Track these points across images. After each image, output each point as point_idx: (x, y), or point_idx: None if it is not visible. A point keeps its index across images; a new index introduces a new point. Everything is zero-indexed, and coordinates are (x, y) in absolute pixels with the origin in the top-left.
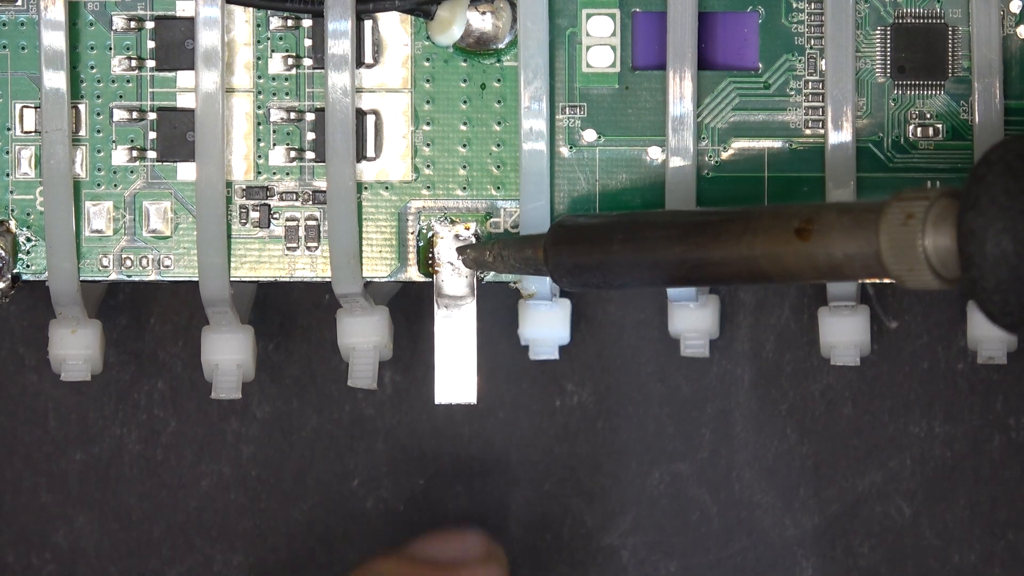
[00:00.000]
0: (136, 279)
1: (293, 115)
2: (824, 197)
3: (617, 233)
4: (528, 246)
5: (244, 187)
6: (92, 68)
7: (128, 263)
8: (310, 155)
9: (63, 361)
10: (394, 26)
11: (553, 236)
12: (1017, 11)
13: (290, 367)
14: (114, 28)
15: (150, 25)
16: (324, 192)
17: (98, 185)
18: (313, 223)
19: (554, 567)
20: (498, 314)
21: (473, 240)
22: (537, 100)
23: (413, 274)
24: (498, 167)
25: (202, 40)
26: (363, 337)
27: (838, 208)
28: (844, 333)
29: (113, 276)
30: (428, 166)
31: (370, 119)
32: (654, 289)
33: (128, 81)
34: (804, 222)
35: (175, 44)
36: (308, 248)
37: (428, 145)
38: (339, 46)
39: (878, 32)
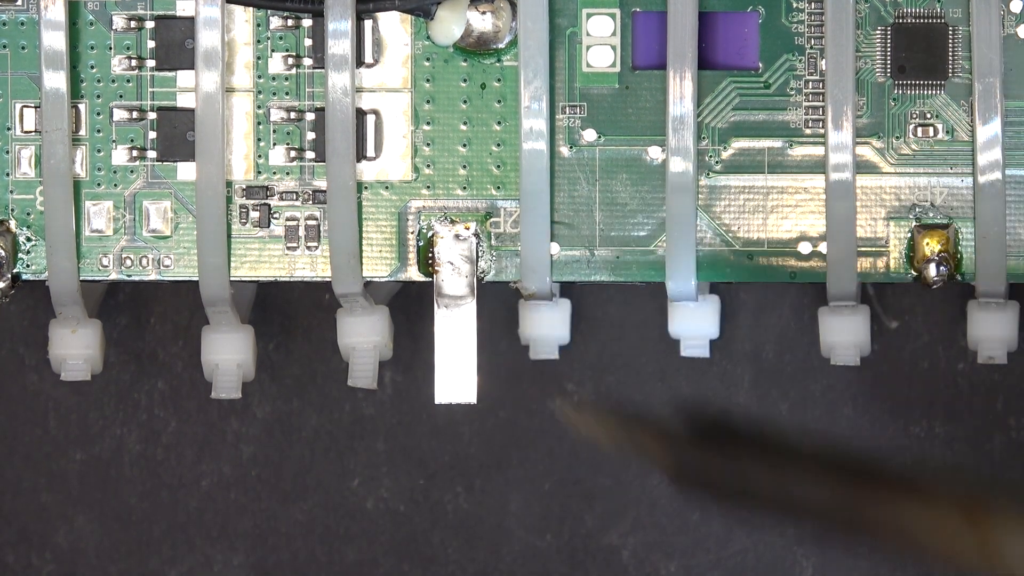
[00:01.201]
0: (136, 279)
1: (293, 115)
2: (825, 198)
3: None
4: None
5: (244, 187)
6: (92, 68)
7: (128, 263)
8: (310, 155)
9: (63, 361)
10: (394, 26)
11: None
12: (1017, 11)
13: (290, 367)
14: (114, 28)
15: (150, 25)
16: (324, 192)
17: (98, 185)
18: (313, 223)
19: (554, 567)
20: (498, 314)
21: (473, 241)
22: (537, 100)
23: (413, 274)
24: (498, 167)
25: (202, 40)
26: (363, 337)
27: None
28: (844, 333)
29: (113, 276)
30: (428, 166)
31: (370, 119)
32: (652, 289)
33: (128, 81)
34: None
35: (175, 44)
36: (308, 248)
37: (428, 145)
38: (339, 46)
39: (878, 32)
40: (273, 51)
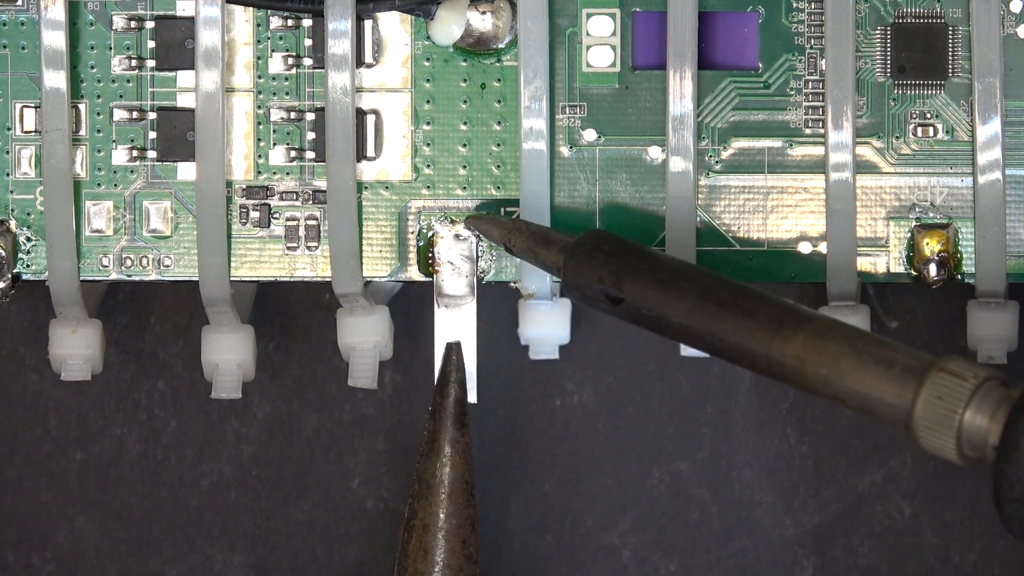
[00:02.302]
0: (136, 279)
1: (293, 115)
2: (825, 198)
3: (649, 273)
4: (551, 246)
5: (244, 187)
6: (92, 68)
7: (128, 263)
8: (310, 155)
9: (63, 361)
10: (394, 26)
11: (581, 249)
12: (1017, 11)
13: (290, 367)
14: (114, 28)
15: (150, 25)
16: (324, 192)
17: (98, 185)
18: (313, 223)
19: (554, 567)
20: (498, 314)
21: (473, 241)
22: (537, 100)
23: (413, 274)
24: (498, 167)
25: (202, 40)
26: (363, 337)
27: (875, 357)
28: None
29: (113, 276)
30: (428, 166)
31: (370, 119)
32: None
33: (128, 81)
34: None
35: (175, 44)
36: (308, 248)
37: (428, 145)
38: (339, 46)
39: (878, 32)
40: (273, 51)
